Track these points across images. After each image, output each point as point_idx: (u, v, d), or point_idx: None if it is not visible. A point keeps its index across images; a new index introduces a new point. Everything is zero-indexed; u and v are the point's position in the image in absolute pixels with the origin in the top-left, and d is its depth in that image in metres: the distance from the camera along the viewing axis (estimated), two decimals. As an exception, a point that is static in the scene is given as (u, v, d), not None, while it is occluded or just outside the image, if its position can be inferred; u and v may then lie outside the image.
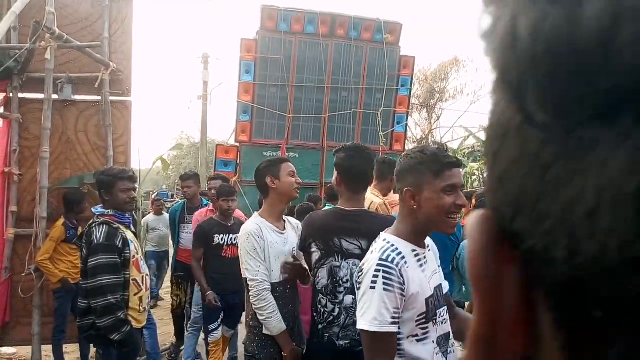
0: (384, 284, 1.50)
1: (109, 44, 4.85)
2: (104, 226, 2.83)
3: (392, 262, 1.53)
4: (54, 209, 4.48)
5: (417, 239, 1.64)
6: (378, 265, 1.52)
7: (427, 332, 1.60)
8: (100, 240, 2.76)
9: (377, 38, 7.16)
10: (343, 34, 7.02)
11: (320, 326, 2.22)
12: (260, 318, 2.37)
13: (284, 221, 2.72)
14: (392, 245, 1.58)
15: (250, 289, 2.39)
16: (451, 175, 1.58)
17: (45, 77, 4.29)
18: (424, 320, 1.59)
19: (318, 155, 7.18)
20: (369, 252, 1.65)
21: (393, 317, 1.50)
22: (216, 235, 3.98)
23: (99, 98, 4.83)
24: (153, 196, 11.37)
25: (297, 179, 2.74)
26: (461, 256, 2.94)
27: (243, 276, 2.49)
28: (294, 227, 2.76)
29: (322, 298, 2.24)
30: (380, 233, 1.68)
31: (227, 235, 4.01)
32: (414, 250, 1.62)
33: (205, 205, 4.96)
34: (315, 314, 2.28)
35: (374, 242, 1.68)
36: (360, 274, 1.59)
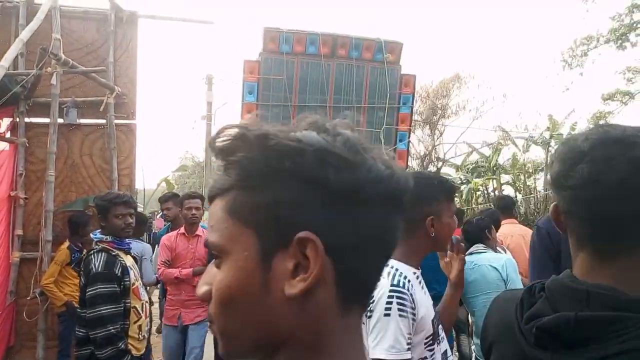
0: (399, 309, 1.49)
1: (114, 68, 4.95)
2: (102, 254, 2.78)
3: (403, 287, 1.53)
4: (58, 232, 4.51)
5: (417, 261, 1.67)
6: (391, 291, 1.51)
7: (433, 354, 1.60)
8: (99, 269, 2.71)
9: (377, 57, 7.24)
10: (344, 54, 7.11)
11: None
12: None
13: None
14: (397, 270, 1.58)
15: None
16: (454, 201, 1.71)
17: (51, 102, 4.37)
18: (431, 342, 1.60)
19: (321, 174, 7.21)
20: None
21: (408, 343, 1.49)
22: None
23: (104, 121, 4.90)
24: (158, 216, 11.46)
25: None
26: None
27: None
28: None
29: None
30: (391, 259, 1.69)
31: None
32: (414, 273, 1.64)
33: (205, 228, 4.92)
34: None
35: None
36: (370, 301, 1.54)
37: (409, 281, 1.56)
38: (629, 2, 11.63)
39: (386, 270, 1.55)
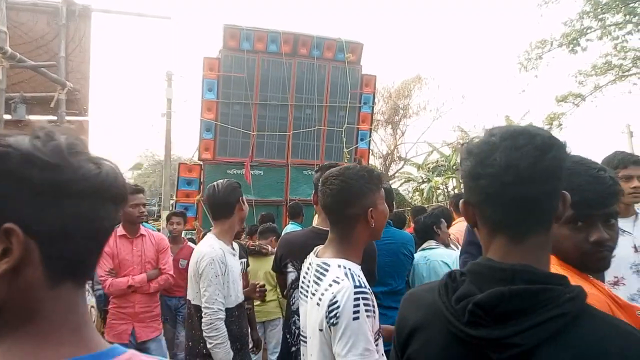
0: (366, 310, 1.46)
1: (66, 63, 4.78)
2: None
3: (365, 287, 1.50)
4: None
5: (359, 256, 1.65)
6: (356, 293, 1.46)
7: (378, 347, 1.60)
8: None
9: (339, 57, 7.29)
10: (305, 53, 7.11)
11: (293, 348, 2.16)
12: (209, 345, 2.32)
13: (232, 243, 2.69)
14: (351, 269, 1.56)
15: (203, 315, 2.33)
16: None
17: (-4, 97, 4.17)
18: (377, 336, 1.60)
19: (282, 172, 7.19)
20: (328, 282, 1.54)
21: (374, 341, 1.49)
22: None
23: (54, 118, 4.73)
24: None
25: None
26: (415, 271, 2.98)
27: (190, 299, 2.41)
28: (237, 251, 2.75)
29: (297, 319, 2.18)
30: (327, 260, 1.62)
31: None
32: (360, 270, 1.63)
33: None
34: (288, 335, 2.23)
35: (323, 272, 1.60)
36: (334, 307, 1.46)
37: (363, 278, 1.55)
38: (580, 8, 12.14)
39: (340, 270, 1.54)
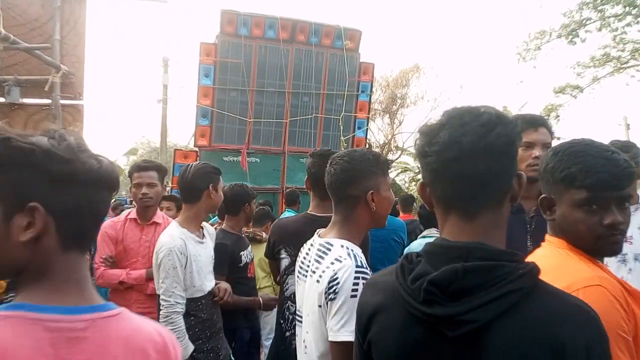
0: None
1: (60, 46, 4.71)
2: None
3: (366, 267, 1.53)
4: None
5: (360, 239, 1.67)
6: (357, 272, 1.48)
7: None
8: None
9: (337, 44, 7.23)
10: (303, 40, 7.05)
11: (287, 333, 2.16)
12: None
13: (202, 228, 2.59)
14: (353, 250, 1.58)
15: (161, 308, 2.29)
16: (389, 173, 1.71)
17: (-11, 79, 4.12)
18: None
19: (279, 160, 7.16)
20: (330, 260, 1.56)
21: None
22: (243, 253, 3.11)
23: (49, 101, 4.68)
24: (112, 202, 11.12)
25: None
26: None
27: (157, 291, 2.37)
28: (210, 235, 2.66)
29: (291, 305, 2.18)
30: (330, 240, 1.64)
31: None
32: (362, 252, 1.65)
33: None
34: (282, 321, 2.23)
35: (325, 250, 1.62)
36: (334, 283, 1.48)
37: (364, 260, 1.56)
38: (579, -1, 12.07)
39: (343, 250, 1.56)
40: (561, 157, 1.19)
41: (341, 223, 1.67)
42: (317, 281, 1.56)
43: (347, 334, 1.43)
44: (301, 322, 1.72)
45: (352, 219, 1.66)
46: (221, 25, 6.67)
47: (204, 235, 2.53)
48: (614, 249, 1.19)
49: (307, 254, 1.74)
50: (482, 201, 0.90)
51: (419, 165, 1.01)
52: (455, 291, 0.84)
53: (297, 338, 1.75)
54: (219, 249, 2.73)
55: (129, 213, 3.04)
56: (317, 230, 1.79)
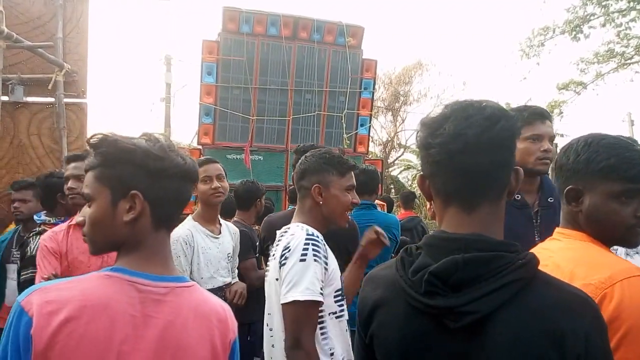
0: (314, 255, 1.56)
1: (63, 44, 4.72)
2: (40, 237, 2.53)
3: (317, 237, 1.63)
4: (4, 215, 4.31)
5: (321, 231, 1.74)
6: (307, 239, 1.59)
7: (342, 309, 1.67)
8: (34, 253, 2.46)
9: (339, 41, 7.21)
10: (306, 37, 7.03)
11: None
12: None
13: (220, 225, 2.66)
14: (308, 228, 1.68)
15: None
16: (351, 177, 1.82)
17: (-7, 78, 4.13)
18: (340, 297, 1.66)
19: (282, 157, 7.16)
20: (286, 237, 1.68)
21: (321, 288, 1.55)
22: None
23: (52, 100, 4.69)
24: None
25: (215, 183, 2.51)
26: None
27: None
28: (230, 233, 2.71)
29: None
30: (289, 225, 1.77)
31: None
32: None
33: None
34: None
35: (283, 233, 1.75)
36: (286, 250, 1.60)
37: (319, 235, 1.67)
38: (583, -6, 11.98)
39: (298, 227, 1.69)
40: (596, 149, 1.18)
41: (297, 211, 1.83)
42: (274, 256, 1.68)
43: (295, 294, 1.50)
44: (266, 313, 1.78)
45: (303, 211, 1.79)
46: (223, 23, 6.66)
47: (220, 231, 2.59)
48: (638, 240, 1.21)
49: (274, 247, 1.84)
50: (482, 194, 0.91)
51: (420, 158, 1.00)
52: (456, 282, 0.85)
53: (265, 328, 1.80)
54: (242, 234, 2.94)
55: (70, 219, 2.45)
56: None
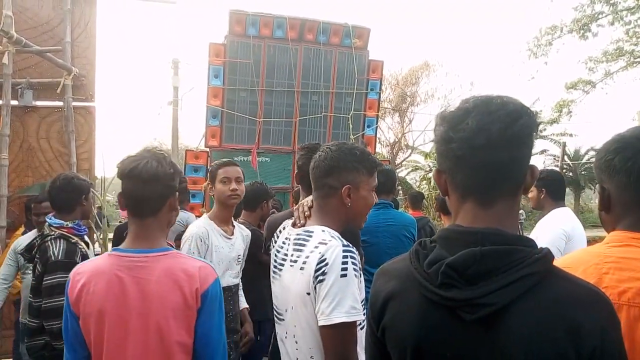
0: (354, 269, 1.44)
1: (71, 48, 4.76)
2: (61, 241, 2.58)
3: (353, 248, 1.49)
4: (14, 218, 4.35)
5: (338, 231, 1.62)
6: (344, 251, 1.44)
7: (364, 319, 1.57)
8: (59, 257, 2.51)
9: (345, 42, 7.21)
10: (312, 39, 7.04)
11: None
12: None
13: (233, 227, 2.70)
14: (337, 235, 1.54)
15: None
16: (376, 176, 1.67)
17: (3, 83, 4.17)
18: (364, 307, 1.54)
19: (289, 159, 7.16)
20: (313, 245, 1.51)
21: (361, 303, 1.46)
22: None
23: (61, 104, 4.73)
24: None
25: (233, 185, 2.60)
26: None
27: None
28: (243, 236, 2.74)
29: None
30: (309, 227, 1.60)
31: None
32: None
33: None
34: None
35: (306, 237, 1.57)
36: (323, 264, 1.43)
37: (352, 245, 1.52)
38: (591, -8, 11.90)
39: (326, 234, 1.52)
40: None
41: (316, 211, 1.64)
42: (301, 268, 1.50)
43: (340, 315, 1.38)
44: (281, 319, 1.65)
45: (326, 211, 1.62)
46: (230, 26, 6.69)
47: (233, 232, 2.63)
48: None
49: (281, 247, 1.69)
50: (500, 189, 0.92)
51: (436, 152, 1.00)
52: (473, 275, 0.85)
53: (278, 336, 1.68)
54: (254, 233, 2.99)
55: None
56: (285, 222, 1.76)
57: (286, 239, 1.68)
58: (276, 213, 3.29)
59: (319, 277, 1.43)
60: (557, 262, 0.91)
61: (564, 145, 15.54)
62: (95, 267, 1.55)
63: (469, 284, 0.85)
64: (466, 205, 0.94)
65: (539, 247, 0.89)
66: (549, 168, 12.91)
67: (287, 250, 1.63)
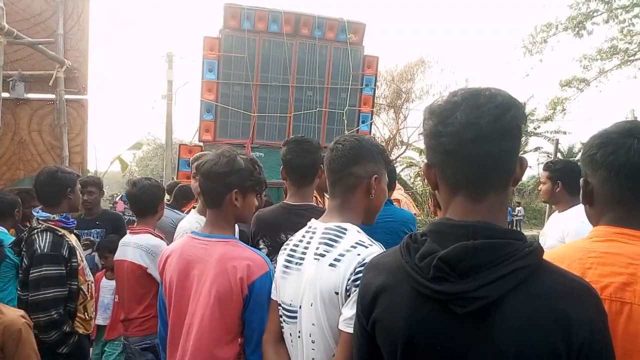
0: None
1: (64, 40, 4.72)
2: (48, 234, 2.56)
3: None
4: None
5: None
6: None
7: None
8: (45, 250, 2.50)
9: (341, 38, 7.19)
10: (307, 33, 7.02)
11: None
12: None
13: None
14: (369, 237, 1.46)
15: None
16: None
17: (-6, 74, 4.13)
18: None
19: (283, 154, 7.15)
20: (349, 244, 1.42)
21: None
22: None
23: (53, 96, 4.69)
24: (117, 199, 11.15)
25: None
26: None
27: None
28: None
29: None
30: (341, 224, 1.50)
31: None
32: None
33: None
34: None
35: (338, 234, 1.47)
36: (363, 268, 1.30)
37: None
38: (587, -10, 11.91)
39: (363, 235, 1.44)
40: None
41: (340, 208, 1.55)
42: (332, 265, 1.41)
43: None
44: (293, 317, 1.53)
45: (349, 206, 1.54)
46: (224, 19, 6.65)
47: None
48: None
49: (299, 241, 1.59)
50: (490, 183, 0.92)
51: (426, 146, 0.99)
52: (465, 268, 0.85)
53: (286, 334, 1.58)
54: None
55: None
56: (312, 219, 1.65)
57: (307, 232, 1.59)
58: (263, 208, 3.26)
59: (357, 280, 1.32)
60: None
61: (557, 142, 15.62)
62: (177, 245, 1.92)
63: (460, 277, 0.85)
64: (457, 199, 0.94)
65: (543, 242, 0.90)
66: (564, 159, 12.94)
67: (310, 242, 1.53)
